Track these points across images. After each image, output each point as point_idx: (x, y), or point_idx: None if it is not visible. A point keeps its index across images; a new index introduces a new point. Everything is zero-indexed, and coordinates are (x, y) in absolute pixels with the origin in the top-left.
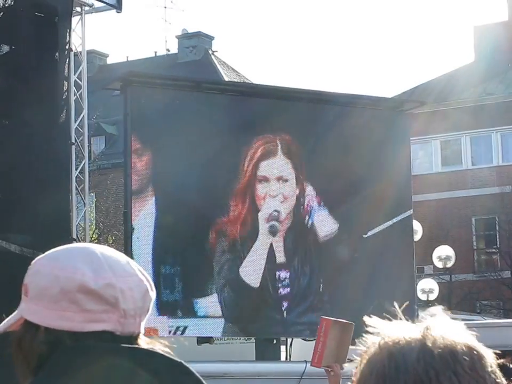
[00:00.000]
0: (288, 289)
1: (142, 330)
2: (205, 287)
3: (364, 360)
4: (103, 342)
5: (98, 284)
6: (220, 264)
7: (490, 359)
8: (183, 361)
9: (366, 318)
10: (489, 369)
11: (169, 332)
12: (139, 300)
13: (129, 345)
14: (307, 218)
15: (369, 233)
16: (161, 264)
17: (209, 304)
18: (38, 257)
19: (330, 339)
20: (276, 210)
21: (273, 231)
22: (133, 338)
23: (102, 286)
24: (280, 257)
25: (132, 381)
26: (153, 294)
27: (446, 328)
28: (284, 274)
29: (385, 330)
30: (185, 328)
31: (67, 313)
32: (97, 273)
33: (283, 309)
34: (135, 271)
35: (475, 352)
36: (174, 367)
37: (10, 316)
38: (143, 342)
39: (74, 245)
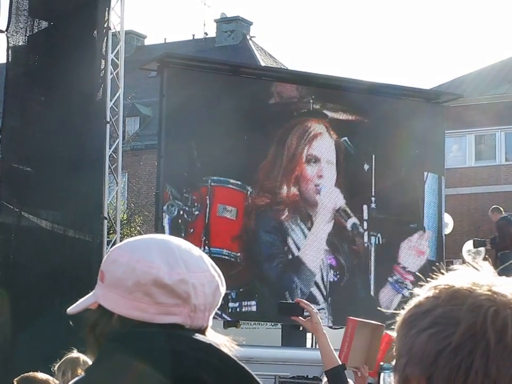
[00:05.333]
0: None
1: (210, 323)
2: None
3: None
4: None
5: (173, 279)
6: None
7: None
8: (237, 359)
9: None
10: None
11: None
12: (209, 295)
13: (191, 336)
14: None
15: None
16: None
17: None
18: (117, 245)
19: (356, 340)
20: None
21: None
22: (201, 331)
23: (175, 281)
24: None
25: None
26: (223, 289)
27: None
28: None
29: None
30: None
31: (141, 304)
32: (172, 268)
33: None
34: (208, 266)
35: None
36: (224, 362)
37: (84, 297)
38: (210, 336)
39: (152, 236)
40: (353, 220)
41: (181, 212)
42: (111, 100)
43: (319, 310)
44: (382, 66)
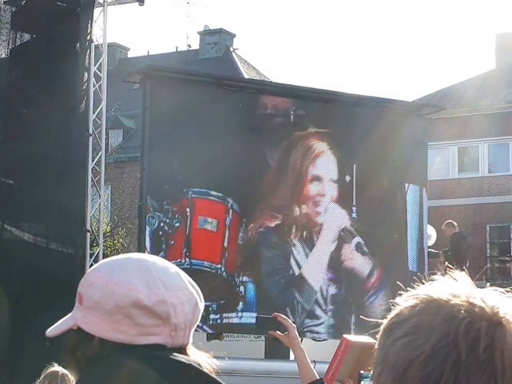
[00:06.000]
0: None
1: (191, 340)
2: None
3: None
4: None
5: (152, 300)
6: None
7: None
8: (217, 378)
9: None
10: None
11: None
12: (189, 313)
13: (166, 357)
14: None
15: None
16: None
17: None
18: (93, 267)
19: (347, 359)
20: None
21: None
22: (182, 349)
23: (155, 302)
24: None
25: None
26: (202, 305)
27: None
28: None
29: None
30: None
31: (121, 326)
32: (151, 289)
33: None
34: (186, 283)
35: None
36: (201, 379)
37: (63, 319)
38: (192, 353)
39: (128, 256)
40: (358, 239)
41: (162, 224)
42: (93, 112)
43: (319, 324)
44: (364, 78)
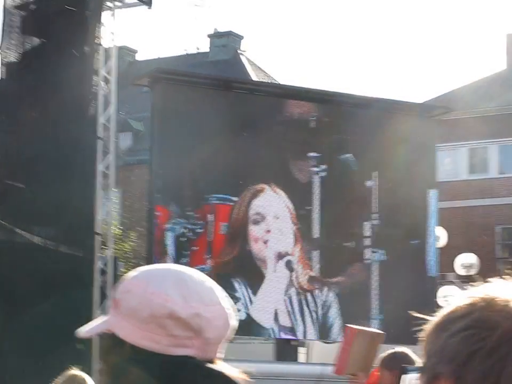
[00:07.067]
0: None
1: (221, 356)
2: None
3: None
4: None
5: (187, 313)
6: None
7: None
8: None
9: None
10: None
11: None
12: (221, 328)
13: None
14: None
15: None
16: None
17: None
18: (131, 274)
19: (354, 348)
20: None
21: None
22: (212, 363)
23: (190, 315)
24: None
25: None
26: (233, 322)
27: None
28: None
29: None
30: None
31: (154, 335)
32: (187, 301)
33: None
34: (219, 299)
35: None
36: None
37: (96, 322)
38: (221, 367)
39: (167, 266)
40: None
41: (184, 230)
42: (103, 115)
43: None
44: (374, 80)
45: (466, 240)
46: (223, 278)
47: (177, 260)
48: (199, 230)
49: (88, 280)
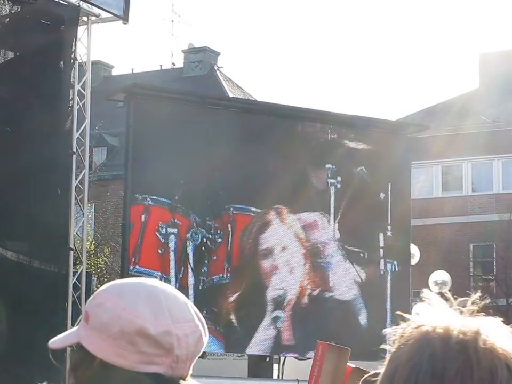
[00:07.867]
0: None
1: (190, 372)
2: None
3: (402, 340)
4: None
5: (157, 330)
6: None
7: None
8: None
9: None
10: None
11: None
12: (192, 346)
13: None
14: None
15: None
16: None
17: None
18: (103, 288)
19: (326, 363)
20: None
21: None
22: (183, 380)
23: (160, 333)
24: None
25: None
26: (206, 339)
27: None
28: None
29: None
30: None
31: (124, 351)
32: (157, 319)
33: None
34: (192, 316)
35: None
36: None
37: (67, 333)
38: None
39: (141, 281)
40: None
41: (204, 239)
42: (77, 131)
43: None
44: (348, 97)
45: (440, 257)
46: None
47: (196, 269)
48: (219, 240)
49: (62, 295)
